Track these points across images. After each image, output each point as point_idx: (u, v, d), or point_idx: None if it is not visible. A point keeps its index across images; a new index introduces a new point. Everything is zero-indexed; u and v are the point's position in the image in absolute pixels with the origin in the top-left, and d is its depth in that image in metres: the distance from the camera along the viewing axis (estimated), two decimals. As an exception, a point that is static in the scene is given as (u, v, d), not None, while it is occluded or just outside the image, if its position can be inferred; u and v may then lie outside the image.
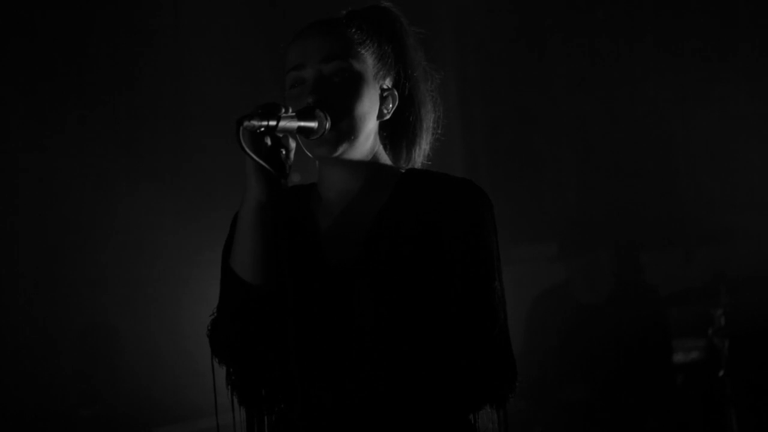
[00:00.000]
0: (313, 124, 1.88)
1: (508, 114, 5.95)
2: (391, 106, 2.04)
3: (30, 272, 4.54)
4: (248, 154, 1.75)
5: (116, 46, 4.78)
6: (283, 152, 1.80)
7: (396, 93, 2.05)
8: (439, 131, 2.13)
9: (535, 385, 4.56)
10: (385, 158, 2.06)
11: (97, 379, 4.61)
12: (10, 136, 4.50)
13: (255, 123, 1.74)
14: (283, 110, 1.80)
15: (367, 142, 2.00)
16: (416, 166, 2.10)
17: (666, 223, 5.61)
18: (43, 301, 4.52)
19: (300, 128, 1.85)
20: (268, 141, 1.79)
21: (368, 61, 2.00)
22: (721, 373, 4.29)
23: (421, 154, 2.11)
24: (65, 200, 4.59)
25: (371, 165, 2.02)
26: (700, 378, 4.74)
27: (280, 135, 1.81)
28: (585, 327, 4.67)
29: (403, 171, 2.05)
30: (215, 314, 1.97)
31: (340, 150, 1.95)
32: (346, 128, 1.94)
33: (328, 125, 1.90)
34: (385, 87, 2.03)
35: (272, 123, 1.76)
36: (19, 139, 4.52)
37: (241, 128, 1.72)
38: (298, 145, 1.91)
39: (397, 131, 2.08)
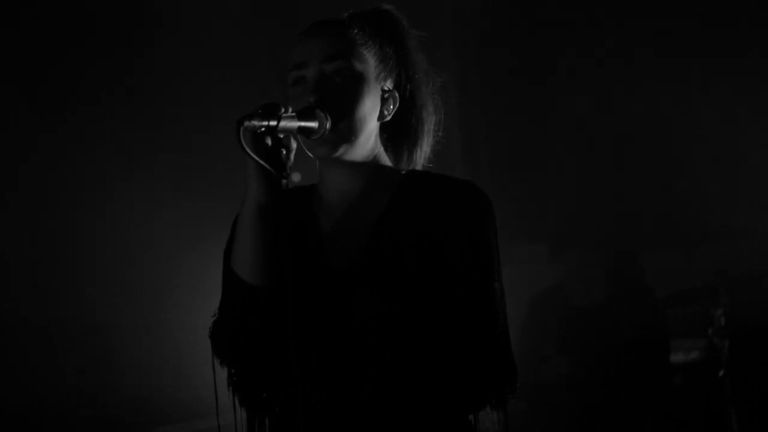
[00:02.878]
0: (314, 124, 1.88)
1: (507, 115, 5.95)
2: (391, 107, 2.04)
3: (29, 272, 4.53)
4: (249, 155, 1.75)
5: (116, 43, 4.77)
6: (284, 152, 1.80)
7: (397, 95, 2.05)
8: (441, 134, 2.14)
9: (535, 385, 4.57)
10: (385, 159, 2.06)
11: (97, 379, 4.61)
12: (6, 133, 4.49)
13: (255, 123, 1.74)
14: (284, 110, 1.79)
15: (367, 143, 2.00)
16: (417, 168, 2.10)
17: (666, 223, 5.61)
18: (43, 300, 4.51)
19: (300, 128, 1.84)
20: (269, 141, 1.79)
21: (370, 62, 2.01)
22: (721, 373, 4.29)
23: (422, 156, 2.11)
24: (64, 199, 4.58)
25: (372, 166, 2.02)
26: (700, 378, 4.74)
27: (281, 135, 1.80)
28: (584, 327, 4.68)
29: (404, 172, 2.05)
30: (216, 315, 1.97)
31: (341, 150, 1.95)
32: (347, 128, 1.94)
33: (328, 125, 1.90)
34: (386, 88, 2.03)
35: (273, 123, 1.76)
36: (17, 137, 4.51)
37: (242, 128, 1.72)
38: (298, 145, 1.91)
39: (398, 133, 2.09)
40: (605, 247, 4.90)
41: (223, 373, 1.96)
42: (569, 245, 4.99)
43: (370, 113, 1.99)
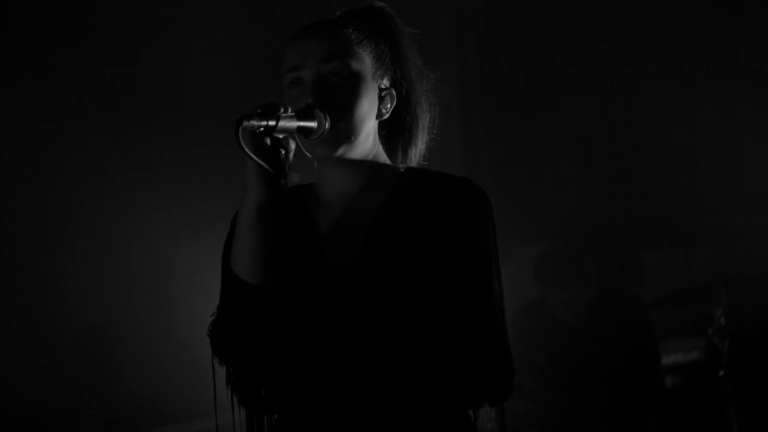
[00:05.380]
0: (313, 124, 1.87)
1: (508, 114, 5.95)
2: (389, 105, 2.03)
3: (29, 272, 4.53)
4: (248, 155, 1.75)
5: (115, 42, 4.77)
6: (283, 152, 1.80)
7: (394, 92, 2.04)
8: (435, 131, 2.13)
9: (534, 385, 4.56)
10: (384, 158, 2.06)
11: (97, 379, 4.61)
12: (5, 132, 4.49)
13: (254, 123, 1.74)
14: (283, 110, 1.79)
15: (366, 141, 2.00)
16: (412, 165, 2.10)
17: (666, 223, 5.62)
18: (43, 301, 4.52)
19: (299, 128, 1.84)
20: (268, 141, 1.79)
21: (366, 60, 2.00)
22: (721, 373, 4.29)
23: (416, 153, 2.10)
24: (63, 199, 4.58)
25: (371, 165, 2.01)
26: (700, 378, 4.74)
27: (280, 135, 1.80)
28: (583, 327, 4.67)
29: (402, 170, 2.05)
30: (215, 314, 1.97)
31: (341, 150, 1.95)
32: (346, 128, 1.94)
33: (327, 125, 1.90)
34: (383, 86, 2.02)
35: (272, 123, 1.76)
36: (16, 137, 4.51)
37: (241, 128, 1.72)
38: (297, 145, 1.91)
39: (393, 131, 2.08)
40: (605, 247, 4.89)
41: (222, 373, 1.96)
42: (568, 244, 4.99)
43: (369, 112, 1.99)
